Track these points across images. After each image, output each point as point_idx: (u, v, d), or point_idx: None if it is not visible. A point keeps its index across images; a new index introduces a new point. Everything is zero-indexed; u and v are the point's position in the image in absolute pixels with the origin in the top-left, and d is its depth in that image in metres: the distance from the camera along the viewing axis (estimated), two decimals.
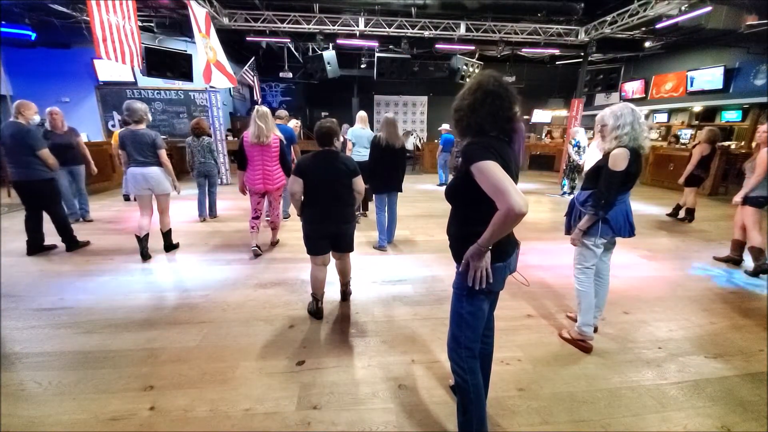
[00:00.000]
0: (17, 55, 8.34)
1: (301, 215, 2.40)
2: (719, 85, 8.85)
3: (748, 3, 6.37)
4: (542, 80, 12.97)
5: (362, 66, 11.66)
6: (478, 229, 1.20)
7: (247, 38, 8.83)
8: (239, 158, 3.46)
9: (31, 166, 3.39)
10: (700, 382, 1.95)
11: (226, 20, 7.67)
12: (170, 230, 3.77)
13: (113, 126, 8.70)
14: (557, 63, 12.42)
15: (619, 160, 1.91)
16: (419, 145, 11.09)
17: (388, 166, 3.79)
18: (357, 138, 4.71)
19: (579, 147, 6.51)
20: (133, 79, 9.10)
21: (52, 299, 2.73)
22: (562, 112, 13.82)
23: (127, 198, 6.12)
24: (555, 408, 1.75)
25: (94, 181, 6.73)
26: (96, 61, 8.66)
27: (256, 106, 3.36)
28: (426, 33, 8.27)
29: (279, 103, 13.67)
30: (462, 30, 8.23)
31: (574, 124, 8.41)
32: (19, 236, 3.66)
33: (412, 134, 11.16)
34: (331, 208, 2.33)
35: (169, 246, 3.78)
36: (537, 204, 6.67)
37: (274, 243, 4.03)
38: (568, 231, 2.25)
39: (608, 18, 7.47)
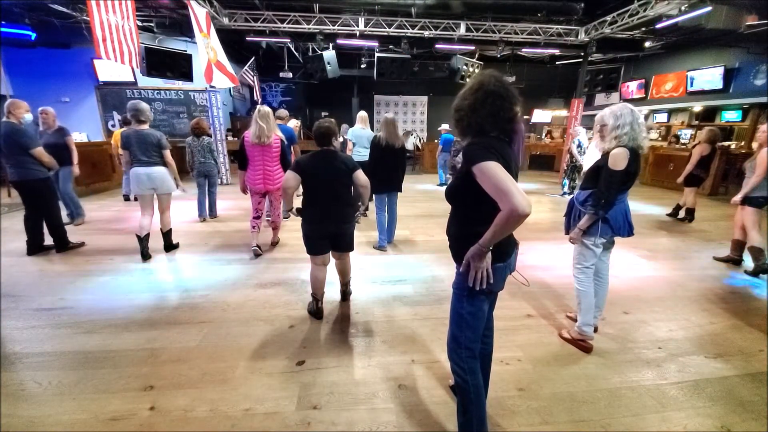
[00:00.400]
0: (17, 55, 8.34)
1: (289, 211, 2.40)
2: (719, 85, 8.84)
3: (748, 3, 6.37)
4: (542, 80, 12.97)
5: (362, 66, 11.65)
6: (479, 229, 1.20)
7: (247, 38, 8.83)
8: (240, 158, 3.47)
9: (25, 166, 3.38)
10: (700, 382, 1.95)
11: (226, 20, 7.67)
12: (170, 230, 3.78)
13: (113, 126, 8.69)
14: (557, 63, 12.42)
15: (619, 160, 1.92)
16: (419, 145, 11.09)
17: (388, 166, 3.79)
18: (357, 138, 4.71)
19: (581, 147, 6.51)
20: (133, 79, 9.10)
21: (52, 299, 2.73)
22: (562, 112, 13.82)
23: (127, 198, 6.11)
24: (555, 408, 1.75)
25: (94, 181, 6.77)
26: (96, 61, 8.65)
27: (258, 106, 3.36)
28: (426, 33, 8.27)
29: (279, 103, 13.66)
30: (462, 30, 8.23)
31: (574, 124, 8.41)
32: (19, 236, 3.66)
33: (412, 134, 11.14)
34: (330, 207, 2.33)
35: (169, 246, 3.78)
36: (537, 204, 6.67)
37: (275, 243, 4.03)
38: (568, 231, 2.25)
39: (608, 18, 7.46)
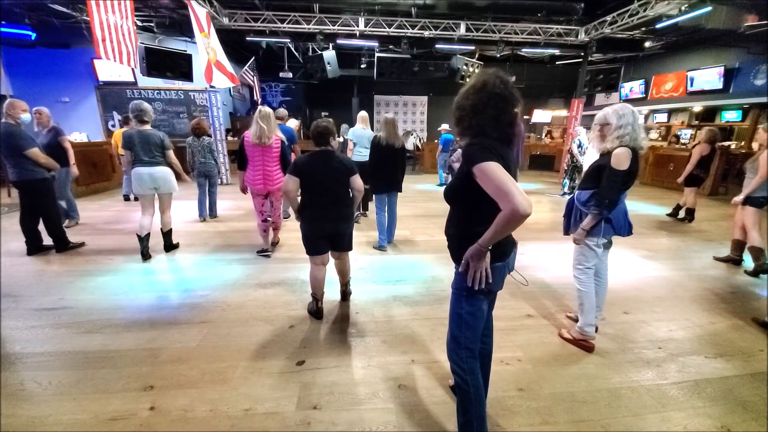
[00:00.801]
0: (17, 55, 8.34)
1: (298, 213, 2.39)
2: (719, 85, 8.85)
3: (748, 3, 6.37)
4: (542, 80, 12.97)
5: (362, 66, 11.66)
6: (478, 229, 1.20)
7: (247, 38, 8.83)
8: (239, 158, 3.46)
9: (22, 166, 3.38)
10: (700, 382, 1.95)
11: (226, 20, 7.67)
12: (171, 230, 3.78)
13: (113, 126, 8.69)
14: (557, 63, 12.42)
15: (623, 160, 1.93)
16: (419, 145, 11.08)
17: (388, 166, 3.79)
18: (358, 138, 4.71)
19: (581, 147, 6.51)
20: (133, 79, 9.10)
21: (52, 299, 2.73)
22: (562, 112, 13.82)
23: (127, 198, 6.11)
24: (555, 408, 1.75)
25: (94, 181, 6.77)
26: (96, 61, 8.66)
27: (259, 107, 3.35)
28: (426, 33, 8.27)
29: (279, 103, 13.66)
30: (462, 30, 8.23)
31: (574, 124, 8.41)
32: (19, 236, 3.66)
33: (412, 134, 11.14)
34: (329, 207, 2.33)
35: (170, 246, 3.78)
36: (537, 204, 6.66)
37: (275, 243, 4.02)
38: (567, 232, 2.26)
39: (608, 18, 7.46)
